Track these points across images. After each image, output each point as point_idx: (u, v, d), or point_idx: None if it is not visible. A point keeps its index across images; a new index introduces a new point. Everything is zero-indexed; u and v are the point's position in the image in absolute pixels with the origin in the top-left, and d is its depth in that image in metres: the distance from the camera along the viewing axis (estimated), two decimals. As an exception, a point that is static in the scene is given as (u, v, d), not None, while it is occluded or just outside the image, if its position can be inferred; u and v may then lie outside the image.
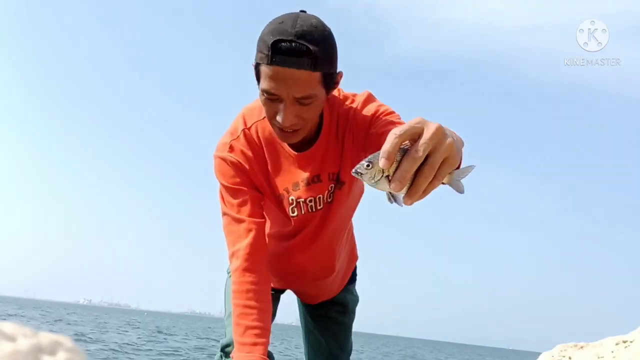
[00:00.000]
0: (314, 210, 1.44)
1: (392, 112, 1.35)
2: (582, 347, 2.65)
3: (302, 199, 1.42)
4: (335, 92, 1.38)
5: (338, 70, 1.27)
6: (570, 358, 2.62)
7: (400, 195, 0.81)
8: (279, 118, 1.24)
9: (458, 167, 0.87)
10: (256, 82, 1.26)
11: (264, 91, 1.22)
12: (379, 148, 1.27)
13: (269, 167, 1.40)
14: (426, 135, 0.78)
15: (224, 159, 1.38)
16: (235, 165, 1.37)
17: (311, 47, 1.16)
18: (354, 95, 1.42)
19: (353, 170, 0.82)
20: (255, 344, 1.26)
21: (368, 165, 0.81)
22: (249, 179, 1.39)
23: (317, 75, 1.20)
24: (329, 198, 1.44)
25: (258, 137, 1.40)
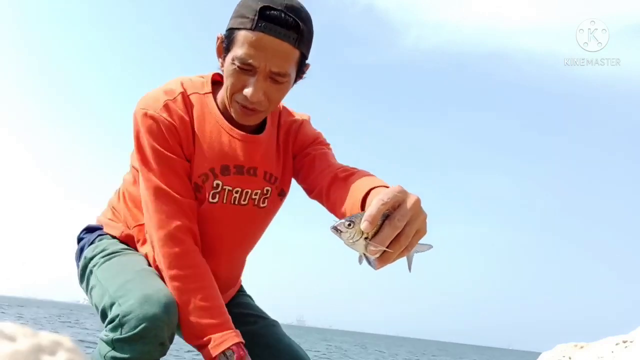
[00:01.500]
0: (236, 202, 1.28)
1: (328, 144, 1.37)
2: (582, 347, 2.66)
3: (229, 187, 1.26)
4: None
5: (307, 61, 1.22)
6: (570, 358, 2.63)
7: (373, 258, 0.87)
8: (246, 92, 1.14)
9: None
10: (223, 52, 1.19)
11: (237, 59, 1.12)
12: (311, 171, 1.30)
13: (200, 141, 1.24)
14: (407, 205, 0.86)
15: (156, 119, 1.19)
16: (169, 129, 1.19)
17: (299, 23, 1.11)
18: (294, 113, 1.41)
19: (331, 227, 0.86)
20: (227, 320, 1.17)
21: (349, 225, 0.85)
22: (182, 148, 1.22)
23: (297, 53, 1.15)
24: (262, 202, 1.32)
25: (196, 107, 1.24)
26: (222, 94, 1.24)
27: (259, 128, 1.32)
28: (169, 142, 1.19)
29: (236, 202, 1.28)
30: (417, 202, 0.88)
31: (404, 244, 0.87)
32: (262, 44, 1.10)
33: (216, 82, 1.31)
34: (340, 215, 1.14)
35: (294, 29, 1.11)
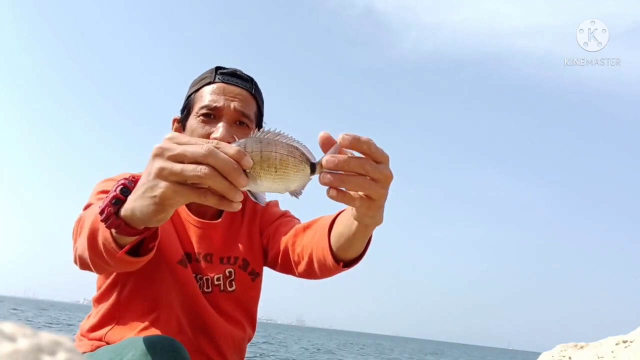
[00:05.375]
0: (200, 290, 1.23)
1: (298, 219, 1.33)
2: (582, 347, 2.66)
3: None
4: None
5: None
6: (570, 358, 2.63)
7: (264, 194, 0.74)
8: (215, 134, 1.16)
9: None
10: (182, 127, 1.25)
11: (202, 107, 1.19)
12: (277, 238, 1.24)
13: (169, 227, 1.21)
14: (386, 170, 0.74)
15: (114, 179, 1.16)
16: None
17: (252, 78, 1.26)
18: None
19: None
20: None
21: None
22: None
23: (254, 103, 1.25)
24: (230, 286, 1.25)
25: None
26: None
27: (219, 213, 1.30)
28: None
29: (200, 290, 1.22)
30: (391, 177, 0.75)
31: (365, 189, 0.73)
32: (224, 90, 1.21)
33: None
34: (309, 260, 1.09)
35: (249, 81, 1.25)
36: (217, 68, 1.24)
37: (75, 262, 0.99)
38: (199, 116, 1.19)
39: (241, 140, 0.72)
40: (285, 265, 1.24)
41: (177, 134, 0.72)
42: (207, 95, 1.20)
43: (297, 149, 0.73)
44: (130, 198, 0.76)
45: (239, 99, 1.20)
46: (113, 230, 0.80)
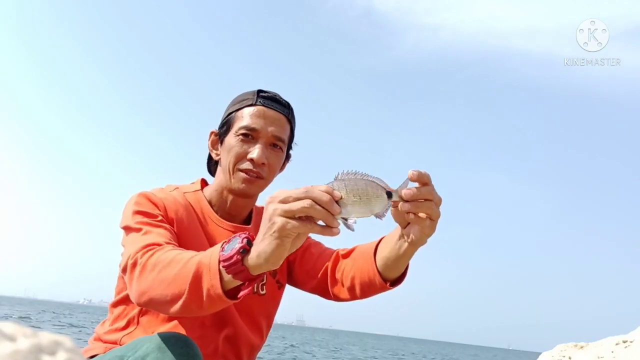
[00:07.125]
0: None
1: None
2: (582, 347, 2.66)
3: None
4: None
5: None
6: (570, 358, 2.63)
7: (352, 220, 0.91)
8: (251, 155, 1.26)
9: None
10: (219, 141, 1.34)
11: (242, 127, 1.28)
12: (308, 258, 1.40)
13: (193, 233, 1.26)
14: (439, 201, 0.97)
15: (147, 195, 1.24)
16: (159, 203, 1.23)
17: (289, 103, 1.35)
18: None
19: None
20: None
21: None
22: (169, 222, 1.22)
23: (289, 127, 1.34)
24: (262, 289, 1.34)
25: (189, 201, 1.31)
26: (211, 191, 1.35)
27: (246, 220, 1.39)
28: (155, 211, 1.21)
29: None
30: (441, 200, 0.97)
31: (431, 211, 0.95)
32: (264, 114, 1.30)
33: (202, 186, 1.40)
34: (351, 285, 1.23)
35: (286, 106, 1.34)
36: (259, 91, 1.32)
37: (139, 299, 1.04)
38: (238, 135, 1.28)
39: (328, 183, 0.90)
40: (320, 288, 1.33)
41: (281, 189, 0.90)
42: (248, 117, 1.29)
43: (372, 181, 0.91)
44: (253, 248, 0.92)
45: (277, 124, 1.30)
46: (227, 277, 0.93)
